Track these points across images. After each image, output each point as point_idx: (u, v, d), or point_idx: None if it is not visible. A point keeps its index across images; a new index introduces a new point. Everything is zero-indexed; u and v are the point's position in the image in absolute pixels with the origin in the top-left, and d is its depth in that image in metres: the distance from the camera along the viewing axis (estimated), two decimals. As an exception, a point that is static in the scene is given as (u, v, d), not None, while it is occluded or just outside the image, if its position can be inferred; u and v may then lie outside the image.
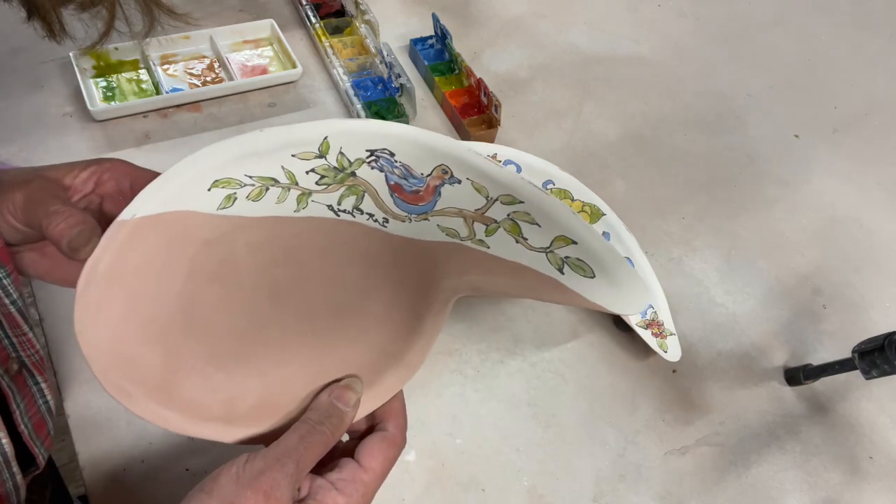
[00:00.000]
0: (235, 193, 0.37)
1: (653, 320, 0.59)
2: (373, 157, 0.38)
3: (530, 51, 0.87)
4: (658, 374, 0.59)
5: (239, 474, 0.31)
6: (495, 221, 0.39)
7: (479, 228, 0.39)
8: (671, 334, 0.59)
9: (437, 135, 0.37)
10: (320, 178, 0.38)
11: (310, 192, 0.38)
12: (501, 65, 0.84)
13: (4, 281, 0.38)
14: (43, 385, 0.44)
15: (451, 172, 0.38)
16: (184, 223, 0.36)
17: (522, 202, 0.38)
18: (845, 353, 0.55)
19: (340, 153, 0.37)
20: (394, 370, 0.37)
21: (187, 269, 0.37)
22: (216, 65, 0.76)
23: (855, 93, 0.91)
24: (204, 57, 0.76)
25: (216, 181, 0.37)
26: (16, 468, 0.39)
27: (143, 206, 0.35)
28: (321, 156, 0.37)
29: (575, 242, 0.38)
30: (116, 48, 0.72)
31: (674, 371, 0.59)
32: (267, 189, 0.38)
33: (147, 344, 0.36)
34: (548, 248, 0.38)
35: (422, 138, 0.37)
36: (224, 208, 0.37)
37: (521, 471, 0.52)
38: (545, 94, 0.82)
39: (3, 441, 0.38)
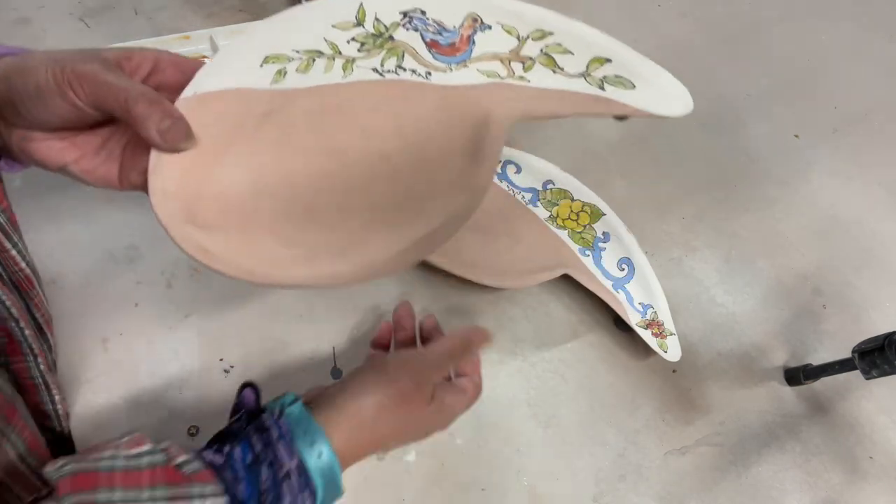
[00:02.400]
0: (285, 68, 0.40)
1: (653, 320, 0.59)
2: (406, 19, 0.41)
3: (530, 51, 0.87)
4: (658, 374, 0.59)
5: (403, 362, 0.41)
6: (531, 58, 0.41)
7: (517, 67, 0.42)
8: (671, 334, 0.58)
9: None
10: (361, 45, 0.41)
11: (353, 59, 0.41)
12: (501, 65, 0.84)
13: (20, 245, 0.40)
14: (30, 303, 0.45)
15: (481, 19, 0.41)
16: (242, 99, 0.39)
17: (552, 33, 0.41)
18: (845, 353, 0.55)
19: (376, 19, 0.41)
20: (466, 195, 0.39)
21: (250, 142, 0.39)
22: (216, 65, 0.76)
23: (855, 93, 0.91)
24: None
25: (266, 57, 0.40)
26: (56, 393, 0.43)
27: (203, 83, 0.38)
28: (359, 24, 0.41)
29: (609, 60, 0.41)
30: (116, 48, 0.72)
31: (674, 371, 0.59)
32: (314, 60, 0.41)
33: (221, 215, 0.37)
34: (585, 72, 0.41)
35: None
36: (276, 82, 0.40)
37: (521, 471, 0.52)
38: (545, 94, 0.82)
39: (40, 360, 0.41)
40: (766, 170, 0.79)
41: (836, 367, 0.56)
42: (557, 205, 0.66)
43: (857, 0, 1.07)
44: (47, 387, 0.43)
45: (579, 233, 0.64)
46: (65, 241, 0.58)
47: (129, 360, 0.53)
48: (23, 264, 0.42)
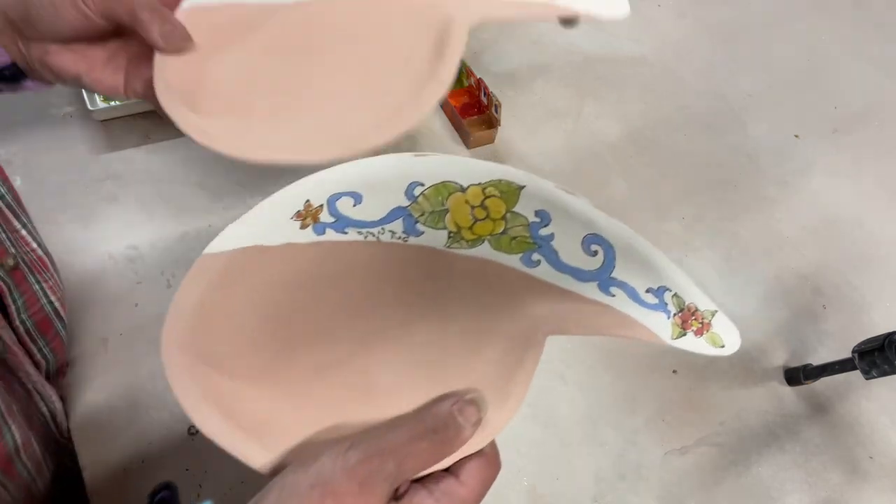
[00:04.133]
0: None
1: (681, 310, 0.40)
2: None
3: (530, 51, 0.87)
4: (658, 374, 0.59)
5: (338, 456, 0.30)
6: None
7: None
8: (713, 314, 0.39)
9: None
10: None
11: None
12: (501, 65, 0.84)
13: (29, 226, 0.42)
14: (44, 285, 0.46)
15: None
16: (233, 11, 0.44)
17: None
18: (845, 353, 0.55)
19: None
20: (433, 84, 0.41)
21: (241, 48, 0.44)
22: (216, 65, 0.76)
23: (855, 93, 0.91)
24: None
25: None
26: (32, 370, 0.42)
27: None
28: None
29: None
30: (116, 48, 0.72)
31: (674, 371, 0.59)
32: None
33: (217, 106, 0.42)
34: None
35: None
36: None
37: (521, 471, 0.52)
38: (545, 94, 0.82)
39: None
40: (766, 170, 0.79)
41: (836, 367, 0.56)
42: (447, 210, 0.40)
43: (857, 0, 1.07)
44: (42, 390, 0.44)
45: (503, 234, 0.40)
46: (65, 241, 0.58)
47: (129, 360, 0.53)
48: (34, 244, 0.45)
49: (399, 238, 0.40)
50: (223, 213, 0.63)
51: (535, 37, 0.89)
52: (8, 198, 0.43)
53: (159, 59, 0.41)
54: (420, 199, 0.39)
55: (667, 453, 0.54)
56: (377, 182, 0.39)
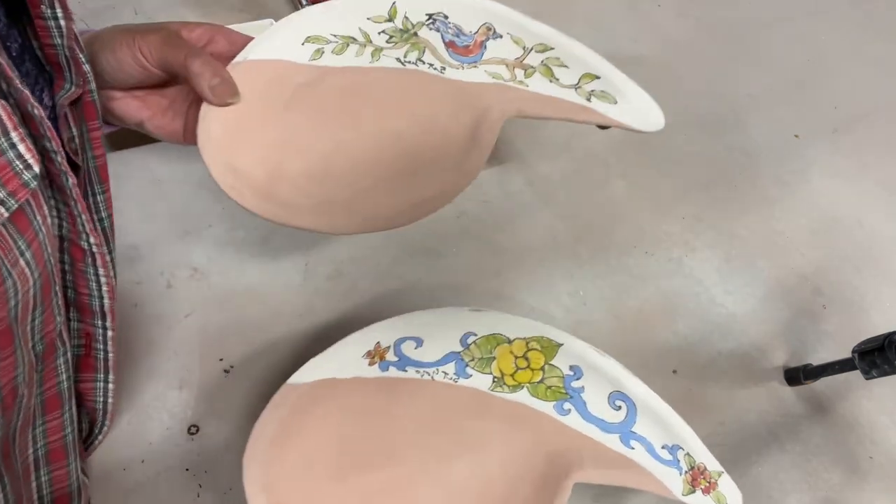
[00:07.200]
0: (323, 48, 0.47)
1: (692, 468, 0.44)
2: (430, 20, 0.48)
3: (530, 51, 0.87)
4: (658, 374, 0.59)
5: None
6: (532, 67, 0.48)
7: (519, 73, 0.48)
8: (720, 474, 0.45)
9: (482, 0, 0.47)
10: (389, 38, 0.48)
11: (381, 48, 0.48)
12: (501, 65, 0.84)
13: (112, 254, 0.43)
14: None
15: (494, 29, 0.48)
16: (282, 69, 0.46)
17: (553, 48, 0.47)
18: (845, 353, 0.55)
19: (405, 17, 0.48)
20: (457, 175, 0.44)
21: (285, 105, 0.46)
22: (216, 65, 0.76)
23: (855, 93, 0.91)
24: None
25: (308, 37, 0.46)
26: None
27: (251, 52, 0.45)
28: (390, 19, 0.47)
29: (598, 77, 0.47)
30: (116, 48, 0.72)
31: (674, 371, 0.59)
32: (348, 45, 0.47)
33: (253, 160, 0.44)
34: (576, 84, 0.47)
35: (469, 1, 0.47)
36: (314, 59, 0.47)
37: (521, 471, 0.52)
38: (545, 94, 0.82)
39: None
40: (766, 170, 0.78)
41: (836, 367, 0.56)
42: (494, 358, 0.47)
43: (857, 0, 1.07)
44: (104, 413, 0.46)
45: (540, 382, 0.46)
46: (65, 241, 0.58)
47: (128, 361, 0.53)
48: (111, 273, 0.44)
49: (451, 378, 0.46)
50: (223, 215, 0.63)
51: (535, 37, 0.89)
52: (106, 224, 0.43)
53: (205, 109, 0.43)
54: (472, 346, 0.47)
55: (667, 453, 0.54)
56: (438, 330, 0.47)
